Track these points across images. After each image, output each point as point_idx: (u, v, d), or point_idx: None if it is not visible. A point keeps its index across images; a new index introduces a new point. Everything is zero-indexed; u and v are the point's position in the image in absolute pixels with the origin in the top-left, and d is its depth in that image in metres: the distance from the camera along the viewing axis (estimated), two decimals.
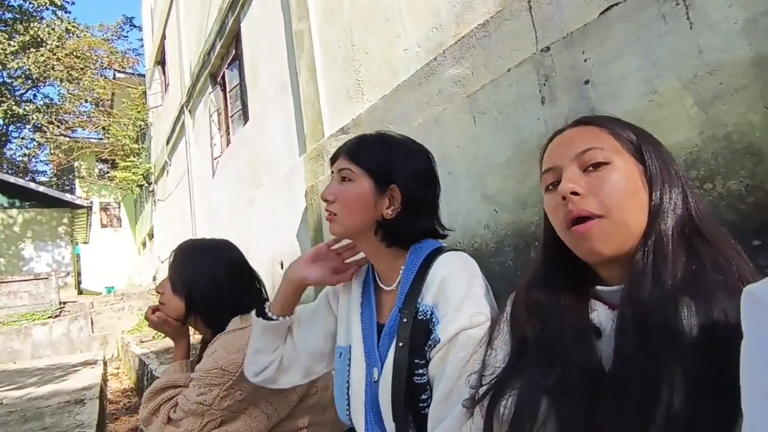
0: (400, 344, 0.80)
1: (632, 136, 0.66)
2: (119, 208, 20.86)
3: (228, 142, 6.43)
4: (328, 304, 1.02)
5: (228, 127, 6.49)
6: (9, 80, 21.96)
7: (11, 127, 23.51)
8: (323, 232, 3.35)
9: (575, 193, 0.63)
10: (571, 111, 1.60)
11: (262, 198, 4.76)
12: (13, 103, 21.23)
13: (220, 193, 6.50)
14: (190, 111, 7.88)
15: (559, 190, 0.64)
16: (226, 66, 6.35)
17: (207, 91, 6.98)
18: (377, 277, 0.93)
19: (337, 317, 1.00)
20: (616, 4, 1.41)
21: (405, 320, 0.80)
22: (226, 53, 6.25)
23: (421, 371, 0.79)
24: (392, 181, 0.85)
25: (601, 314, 0.64)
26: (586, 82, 1.54)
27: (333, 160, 0.92)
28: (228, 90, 6.42)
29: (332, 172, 0.91)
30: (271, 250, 4.05)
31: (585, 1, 1.53)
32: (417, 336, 0.79)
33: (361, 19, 3.08)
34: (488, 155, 1.97)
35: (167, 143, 9.62)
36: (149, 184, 12.21)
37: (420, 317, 0.79)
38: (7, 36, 19.67)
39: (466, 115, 2.10)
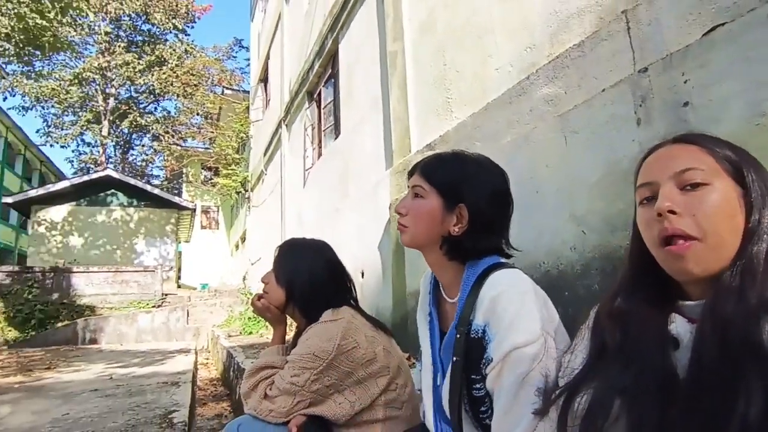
0: (455, 359, 0.84)
1: (733, 158, 0.66)
2: (218, 212, 22.79)
3: (319, 155, 6.83)
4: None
5: (320, 141, 6.90)
6: (136, 95, 25.14)
7: (134, 136, 26.85)
8: None
9: (672, 212, 0.64)
10: (667, 133, 1.54)
11: (348, 208, 5.00)
12: (138, 114, 24.22)
13: (309, 202, 6.90)
14: (287, 125, 8.49)
15: (656, 207, 0.65)
16: (322, 84, 6.78)
17: (303, 107, 7.49)
18: (442, 288, 0.97)
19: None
20: (722, 24, 1.36)
21: (459, 336, 0.84)
22: (323, 72, 6.68)
23: (478, 385, 0.82)
24: (461, 201, 0.88)
25: (680, 326, 0.65)
26: (685, 104, 1.49)
27: (410, 175, 0.97)
28: (323, 106, 6.84)
29: (408, 186, 0.97)
30: (353, 259, 4.23)
31: (687, 22, 1.49)
32: (471, 353, 0.82)
33: (454, 38, 3.18)
34: (578, 175, 1.96)
35: (264, 154, 10.40)
36: (245, 191, 13.24)
37: (472, 335, 0.81)
38: (137, 56, 22.58)
39: (557, 134, 2.10)
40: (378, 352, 1.27)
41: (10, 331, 10.38)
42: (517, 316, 0.76)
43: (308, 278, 1.37)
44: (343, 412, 1.22)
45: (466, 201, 0.87)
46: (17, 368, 6.20)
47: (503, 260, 0.89)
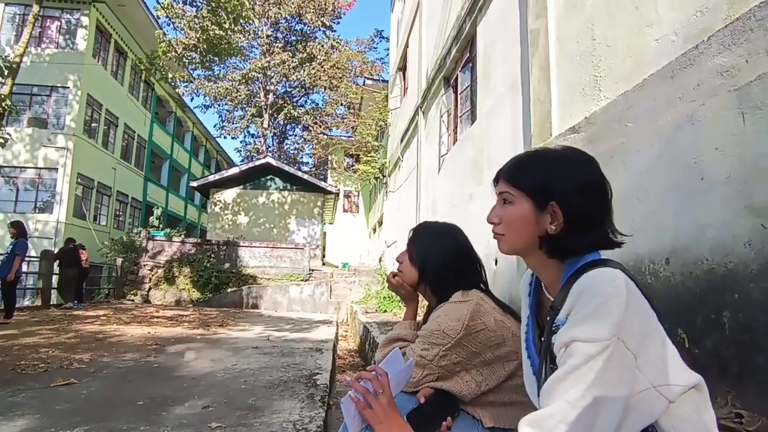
0: (544, 339, 0.84)
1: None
2: (358, 196, 24.30)
3: (455, 141, 6.81)
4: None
5: (456, 127, 6.87)
6: (290, 89, 27.89)
7: (288, 127, 29.91)
8: None
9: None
10: None
11: (482, 194, 4.92)
12: (291, 107, 26.87)
13: (443, 188, 6.95)
14: (423, 112, 8.62)
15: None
16: (459, 69, 6.72)
17: (440, 94, 7.52)
18: (544, 288, 0.93)
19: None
20: None
21: (548, 318, 0.82)
22: (460, 57, 6.61)
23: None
24: (551, 198, 0.84)
25: None
26: None
27: (495, 183, 0.94)
28: (459, 92, 6.78)
29: (496, 194, 0.94)
30: (486, 246, 4.17)
31: None
32: (550, 344, 0.81)
33: (606, 10, 2.88)
34: (760, 159, 1.65)
35: (401, 141, 10.73)
36: (383, 177, 13.85)
37: (553, 329, 0.79)
38: (291, 54, 24.96)
39: (731, 112, 1.79)
40: (507, 337, 1.26)
41: (194, 292, 12.58)
42: (592, 313, 0.71)
43: (440, 259, 1.41)
44: (469, 390, 1.24)
45: (556, 198, 0.83)
46: (199, 323, 7.50)
47: (604, 258, 0.83)
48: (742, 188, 1.72)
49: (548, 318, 0.83)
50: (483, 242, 4.41)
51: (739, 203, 1.72)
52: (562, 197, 0.83)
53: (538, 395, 0.82)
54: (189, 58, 13.12)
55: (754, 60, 1.73)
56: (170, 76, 13.92)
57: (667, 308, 2.01)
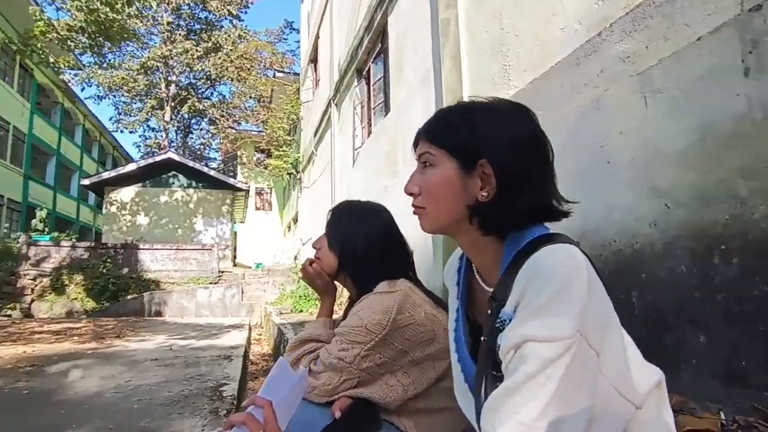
0: (484, 339, 0.67)
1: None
2: (271, 193, 23.43)
3: (369, 133, 6.70)
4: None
5: (370, 119, 6.76)
6: (194, 81, 26.10)
7: (193, 121, 27.98)
8: None
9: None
10: None
11: (398, 187, 4.85)
12: (196, 100, 25.17)
13: (358, 182, 6.81)
14: (336, 104, 8.41)
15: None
16: (371, 60, 6.61)
17: (353, 86, 7.36)
18: (478, 275, 0.76)
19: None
20: None
21: (489, 312, 0.66)
22: (372, 48, 6.50)
23: (498, 384, 0.62)
24: (480, 156, 0.68)
25: None
26: None
27: (415, 146, 0.78)
28: (372, 83, 6.68)
29: (415, 159, 0.78)
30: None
31: None
32: (493, 345, 0.64)
33: (513, 0, 2.90)
34: (661, 142, 1.69)
35: (315, 135, 10.43)
36: (297, 172, 13.42)
37: (497, 325, 0.63)
38: (195, 43, 23.34)
39: (634, 96, 1.83)
40: (438, 332, 1.10)
41: (88, 301, 11.24)
42: (547, 303, 0.56)
43: (364, 243, 1.21)
44: (395, 395, 1.07)
45: (486, 155, 0.68)
46: (92, 336, 6.65)
47: (554, 232, 0.68)
48: (645, 171, 1.76)
49: (488, 312, 0.66)
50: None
51: (643, 185, 1.76)
52: (492, 154, 0.68)
53: (476, 410, 0.67)
54: (75, 41, 11.61)
55: (654, 45, 1.77)
56: (52, 60, 12.19)
57: None
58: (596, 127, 2.06)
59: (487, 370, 0.65)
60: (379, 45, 6.22)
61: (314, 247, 1.32)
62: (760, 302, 1.29)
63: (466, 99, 3.36)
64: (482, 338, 0.67)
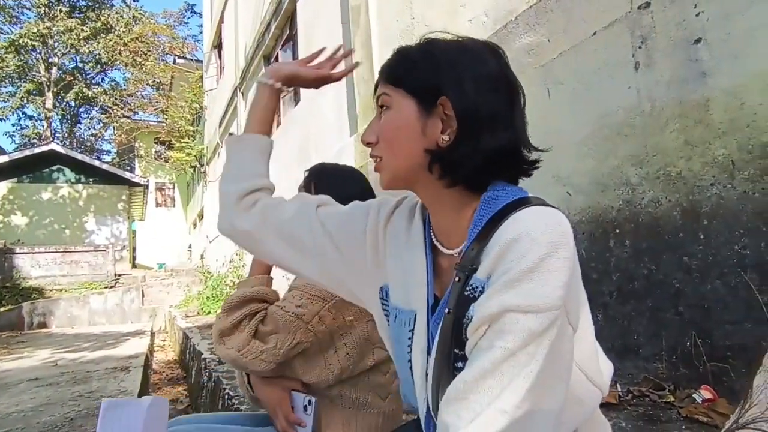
0: (447, 310, 0.58)
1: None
2: (173, 188, 21.77)
3: (278, 124, 6.44)
4: (365, 237, 0.74)
5: (279, 109, 6.50)
6: (81, 64, 23.41)
7: (81, 109, 25.12)
8: None
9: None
10: (673, 76, 1.36)
11: None
12: (84, 85, 22.59)
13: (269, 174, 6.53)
14: (243, 93, 7.99)
15: None
16: (280, 47, 6.34)
17: (260, 73, 7.02)
18: (434, 236, 0.67)
19: (382, 263, 0.73)
20: None
21: (457, 280, 0.58)
22: (280, 34, 6.24)
23: (460, 364, 0.56)
24: (441, 93, 0.61)
25: None
26: (697, 41, 1.30)
27: (375, 89, 0.69)
28: None
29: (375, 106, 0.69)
30: None
31: None
32: (462, 317, 0.56)
33: None
34: (563, 131, 1.76)
35: (220, 125, 9.84)
36: (201, 165, 12.59)
37: (467, 293, 0.56)
38: (80, 22, 20.88)
39: (538, 87, 1.89)
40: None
41: None
42: (533, 270, 0.49)
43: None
44: (330, 377, 0.98)
45: (446, 92, 0.60)
46: None
47: (533, 196, 0.61)
48: (549, 159, 1.82)
49: (456, 279, 0.57)
50: None
51: (548, 174, 1.83)
52: (453, 91, 0.60)
53: (431, 400, 0.58)
54: None
55: (555, 39, 1.84)
56: None
57: None
58: None
59: (449, 349, 0.57)
60: (288, 31, 5.98)
61: None
62: (648, 280, 1.39)
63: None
64: (446, 310, 0.58)
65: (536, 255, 0.49)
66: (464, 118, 0.60)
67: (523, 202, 0.56)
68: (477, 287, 0.54)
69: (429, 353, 0.63)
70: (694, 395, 1.17)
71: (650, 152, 1.42)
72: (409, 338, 0.66)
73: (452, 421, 0.48)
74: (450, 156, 0.60)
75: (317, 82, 0.82)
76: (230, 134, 0.80)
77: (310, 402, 0.98)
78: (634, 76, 1.47)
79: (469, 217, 0.61)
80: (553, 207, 0.56)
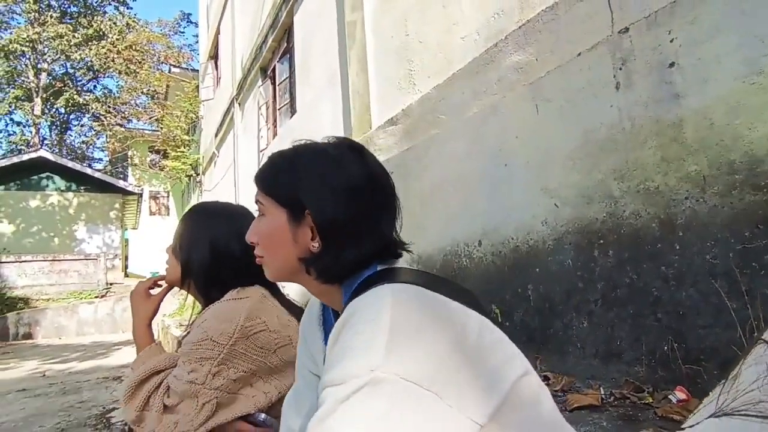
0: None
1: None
2: (168, 197, 21.64)
3: (275, 134, 6.51)
4: (312, 374, 0.81)
5: (275, 120, 6.57)
6: (72, 71, 23.33)
7: (72, 116, 24.98)
8: None
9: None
10: (650, 97, 1.46)
11: None
12: (75, 92, 22.49)
13: None
14: (239, 104, 8.05)
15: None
16: (277, 59, 6.43)
17: (257, 85, 7.10)
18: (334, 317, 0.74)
19: None
20: None
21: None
22: (277, 47, 6.33)
23: None
24: (305, 207, 0.66)
25: None
26: (671, 64, 1.39)
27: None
28: (277, 83, 6.50)
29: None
30: None
31: None
32: None
33: (417, 7, 3.00)
34: (551, 146, 1.85)
35: (216, 135, 9.88)
36: (197, 174, 12.59)
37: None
38: (72, 28, 20.85)
39: (527, 104, 1.98)
40: (293, 337, 1.05)
41: None
42: (342, 350, 0.54)
43: (210, 249, 1.10)
44: (259, 403, 1.02)
45: (308, 206, 0.66)
46: None
47: (382, 268, 0.66)
48: (538, 172, 1.92)
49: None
50: None
51: (537, 186, 1.91)
52: (313, 204, 0.65)
53: None
54: None
55: (542, 58, 1.93)
56: None
57: (482, 287, 2.14)
58: (495, 132, 2.20)
59: None
60: (285, 44, 6.08)
61: (167, 252, 1.20)
62: (630, 288, 1.47)
63: (373, 112, 3.41)
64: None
65: (351, 334, 0.54)
66: (325, 230, 0.65)
67: (369, 283, 0.61)
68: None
69: None
70: (669, 396, 1.24)
71: (631, 167, 1.51)
72: None
73: None
74: (321, 263, 0.66)
75: None
76: None
77: (262, 419, 1.02)
78: (615, 95, 1.56)
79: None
80: (394, 280, 0.60)
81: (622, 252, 1.52)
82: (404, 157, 2.86)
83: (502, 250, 2.07)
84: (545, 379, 1.61)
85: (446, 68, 2.65)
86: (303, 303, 1.11)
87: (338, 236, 0.64)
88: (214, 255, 1.11)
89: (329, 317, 0.75)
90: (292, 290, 2.67)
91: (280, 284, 1.21)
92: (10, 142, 25.07)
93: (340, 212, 0.64)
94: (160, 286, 1.21)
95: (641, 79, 1.48)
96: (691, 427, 0.56)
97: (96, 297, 11.21)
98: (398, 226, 0.70)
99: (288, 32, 5.87)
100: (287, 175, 0.68)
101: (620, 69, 1.55)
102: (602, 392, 1.41)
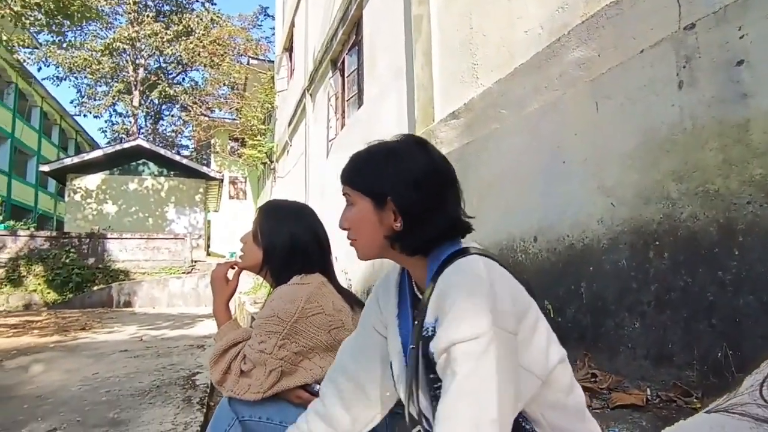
0: (412, 347, 0.78)
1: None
2: (245, 182, 23.07)
3: (343, 125, 6.74)
4: (374, 330, 0.96)
5: (344, 111, 6.79)
6: (164, 65, 25.35)
7: (164, 107, 27.24)
8: None
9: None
10: (715, 96, 1.41)
11: None
12: (167, 85, 24.46)
13: (332, 173, 6.85)
14: (311, 95, 8.39)
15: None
16: (346, 52, 6.62)
17: (327, 76, 7.36)
18: (415, 286, 0.89)
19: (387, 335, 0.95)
20: None
21: (416, 323, 0.78)
22: (347, 39, 6.51)
23: (437, 384, 0.71)
24: (386, 195, 0.82)
25: None
26: (740, 62, 1.34)
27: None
28: (346, 75, 6.70)
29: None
30: None
31: None
32: (426, 353, 0.73)
33: (482, 0, 3.00)
34: (610, 144, 1.83)
35: (289, 125, 10.37)
36: (271, 162, 13.30)
37: (423, 333, 0.74)
38: (164, 26, 22.62)
39: (587, 101, 1.96)
40: (345, 321, 1.23)
41: (49, 293, 10.92)
42: (461, 310, 0.66)
43: (287, 241, 1.32)
44: (315, 376, 1.19)
45: (390, 195, 0.81)
46: (55, 329, 6.51)
47: (464, 246, 0.81)
48: (595, 170, 1.90)
49: (415, 323, 0.78)
50: None
51: (593, 184, 1.90)
52: (394, 192, 0.81)
53: (408, 414, 0.77)
54: (31, 18, 11.09)
55: (605, 54, 1.90)
56: (5, 38, 11.57)
57: (536, 282, 2.17)
58: (554, 128, 2.19)
59: (417, 374, 0.76)
60: (354, 37, 6.24)
61: (241, 241, 1.42)
62: (684, 292, 1.45)
63: (436, 105, 3.46)
64: (411, 346, 0.78)
65: (461, 298, 0.67)
66: (406, 214, 0.81)
67: (455, 256, 0.76)
68: (428, 328, 0.73)
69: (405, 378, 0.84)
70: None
71: (691, 168, 1.47)
72: (393, 382, 0.88)
73: None
74: (404, 239, 0.82)
75: None
76: None
77: (317, 390, 1.19)
78: (677, 94, 1.52)
79: (426, 272, 0.81)
80: (475, 253, 0.75)
81: (677, 254, 1.49)
82: (464, 151, 2.90)
83: (557, 247, 2.07)
84: (593, 376, 1.63)
85: (509, 62, 2.64)
86: (357, 291, 1.25)
87: (415, 216, 0.80)
88: (291, 245, 1.31)
89: (405, 284, 0.91)
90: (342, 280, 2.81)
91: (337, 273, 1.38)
92: (113, 131, 27.88)
93: (414, 196, 0.80)
94: (233, 268, 1.42)
95: (706, 78, 1.43)
96: (685, 420, 0.62)
97: (183, 273, 12.29)
98: (462, 205, 0.86)
99: (357, 25, 6.02)
100: (368, 171, 0.85)
101: (684, 67, 1.50)
102: (648, 393, 1.41)
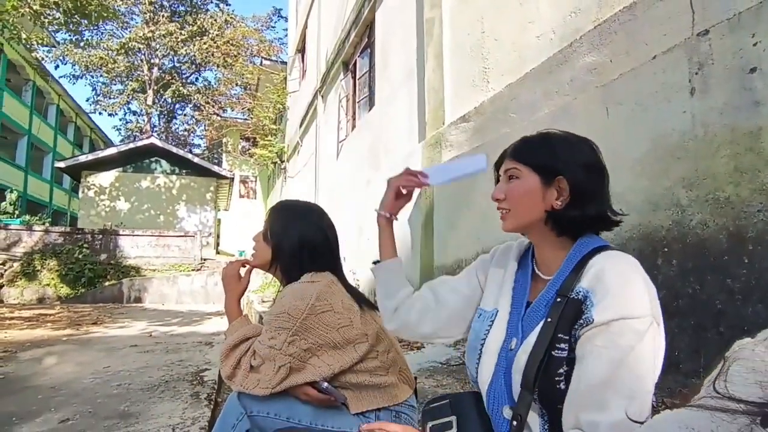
0: (548, 320, 0.83)
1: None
2: (255, 182, 23.25)
3: (353, 127, 6.77)
4: (476, 275, 1.07)
5: (354, 112, 6.82)
6: (178, 65, 25.64)
7: (177, 106, 27.54)
8: (434, 217, 3.39)
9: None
10: (727, 104, 1.40)
11: (380, 181, 4.95)
12: (180, 84, 24.74)
13: (342, 174, 6.89)
14: (322, 96, 8.44)
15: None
16: (358, 54, 6.65)
17: (339, 78, 7.40)
18: (536, 264, 0.95)
19: (485, 287, 1.04)
20: None
21: (559, 300, 0.83)
22: (359, 42, 6.55)
23: (562, 345, 0.79)
24: (559, 174, 0.88)
25: None
26: (753, 69, 1.33)
27: (497, 165, 0.99)
28: (357, 77, 6.73)
29: (498, 174, 0.98)
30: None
31: None
32: (567, 314, 0.80)
33: (494, 4, 3.01)
34: (619, 150, 1.82)
35: (300, 125, 10.44)
36: (282, 162, 13.40)
37: (573, 296, 0.80)
38: (179, 26, 22.90)
39: (598, 106, 1.96)
40: (354, 320, 1.24)
41: (62, 287, 11.09)
42: (627, 288, 0.73)
43: (297, 240, 1.34)
44: (323, 373, 1.21)
45: (564, 173, 0.87)
46: (67, 322, 6.62)
47: (609, 244, 0.88)
48: None
49: (557, 300, 0.83)
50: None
51: None
52: (569, 172, 0.87)
53: (523, 382, 0.81)
54: (50, 17, 11.29)
55: (617, 60, 1.90)
56: (24, 36, 11.79)
57: None
58: None
59: (547, 343, 0.81)
60: (366, 39, 6.27)
61: (253, 240, 1.44)
62: (692, 299, 1.44)
63: (447, 108, 3.47)
64: (547, 319, 0.83)
65: (623, 279, 0.74)
66: (576, 193, 0.87)
67: (604, 248, 0.84)
68: (581, 292, 0.79)
69: (506, 342, 0.91)
70: None
71: (701, 176, 1.46)
72: (487, 329, 0.95)
73: (583, 414, 0.71)
74: (563, 217, 0.88)
75: (410, 197, 1.15)
76: (374, 262, 1.13)
77: (325, 387, 1.21)
78: (689, 101, 1.52)
79: (564, 255, 0.88)
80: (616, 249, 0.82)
81: (686, 261, 1.49)
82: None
83: None
84: None
85: (520, 67, 2.65)
86: (365, 290, 1.27)
87: (583, 197, 0.87)
88: (301, 244, 1.34)
89: (528, 258, 0.98)
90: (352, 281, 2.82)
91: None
92: (127, 129, 28.26)
93: (584, 178, 0.87)
94: (244, 266, 1.45)
95: (718, 85, 1.43)
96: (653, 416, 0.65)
97: (192, 270, 12.40)
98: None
99: (369, 28, 6.05)
100: (542, 150, 0.91)
101: (696, 74, 1.50)
102: (654, 401, 1.41)
